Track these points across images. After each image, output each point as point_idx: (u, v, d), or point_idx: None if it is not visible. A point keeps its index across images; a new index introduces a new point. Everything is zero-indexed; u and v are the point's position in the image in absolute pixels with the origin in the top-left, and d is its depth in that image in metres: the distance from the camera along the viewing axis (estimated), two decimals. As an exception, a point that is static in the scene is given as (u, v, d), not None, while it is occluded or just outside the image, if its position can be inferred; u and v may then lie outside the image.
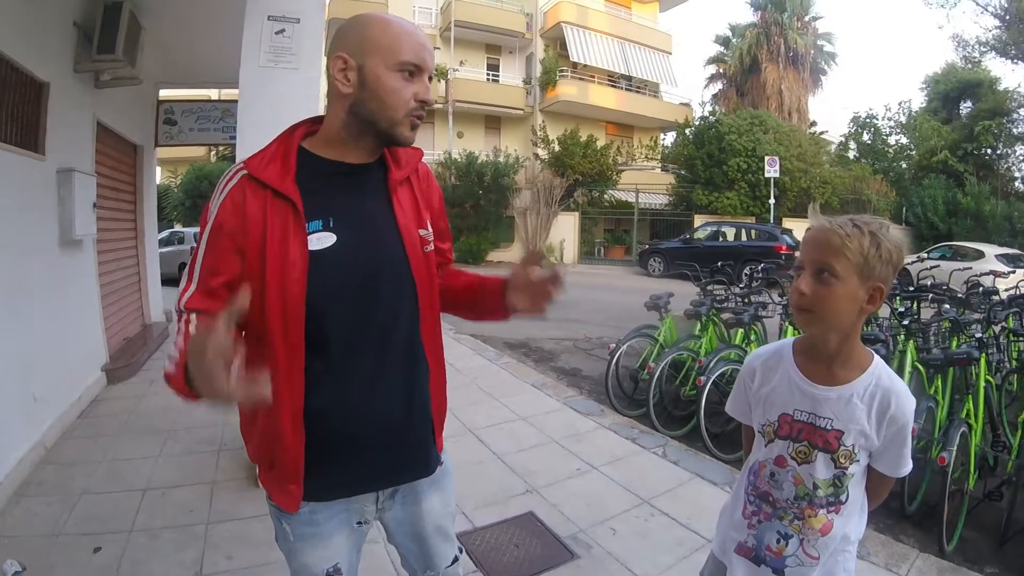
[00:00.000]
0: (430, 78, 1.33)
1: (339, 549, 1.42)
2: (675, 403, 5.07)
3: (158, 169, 8.88)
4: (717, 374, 4.39)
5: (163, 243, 11.75)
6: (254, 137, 2.98)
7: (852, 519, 1.43)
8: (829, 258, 1.29)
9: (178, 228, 18.81)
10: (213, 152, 25.13)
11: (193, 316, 1.21)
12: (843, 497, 1.39)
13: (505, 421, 4.74)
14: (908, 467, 1.41)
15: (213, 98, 8.29)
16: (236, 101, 6.50)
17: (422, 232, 1.41)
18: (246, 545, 2.81)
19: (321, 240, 1.26)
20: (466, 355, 6.89)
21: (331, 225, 1.27)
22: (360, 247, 1.30)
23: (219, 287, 1.23)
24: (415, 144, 1.41)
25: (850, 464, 1.37)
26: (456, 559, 1.64)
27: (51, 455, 3.76)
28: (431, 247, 1.43)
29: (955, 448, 3.09)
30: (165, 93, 7.40)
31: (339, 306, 1.27)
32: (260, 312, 1.23)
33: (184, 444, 4.03)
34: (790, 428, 1.42)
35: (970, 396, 3.68)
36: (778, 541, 1.43)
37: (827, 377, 1.39)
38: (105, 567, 2.63)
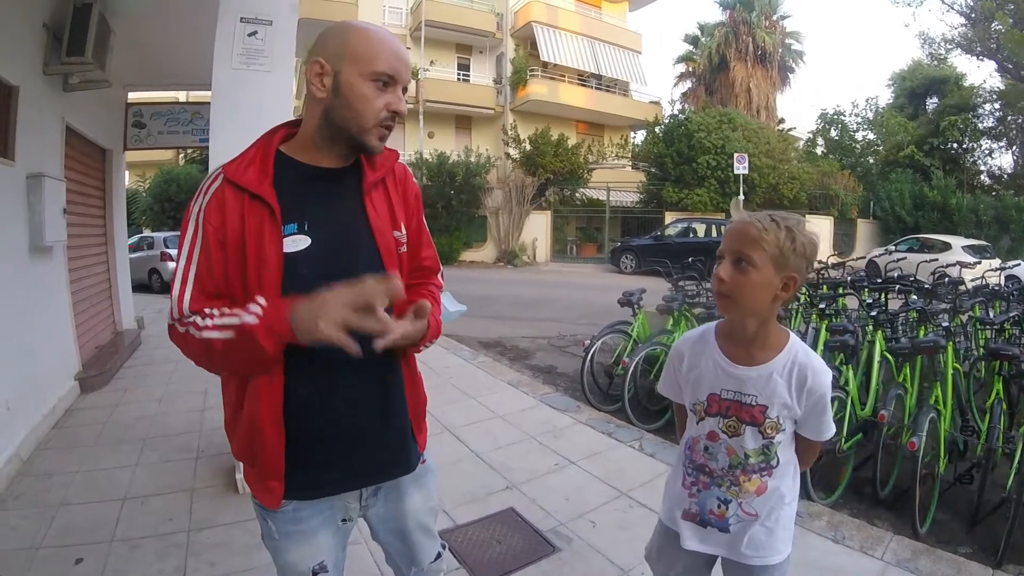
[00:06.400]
0: (404, 89, 1.35)
1: (324, 547, 1.44)
2: (650, 397, 5.12)
3: (126, 173, 8.72)
4: (691, 368, 4.42)
5: (133, 248, 11.52)
6: (228, 139, 3.00)
7: (786, 479, 1.55)
8: (747, 248, 1.38)
9: (147, 233, 18.36)
10: (181, 155, 24.72)
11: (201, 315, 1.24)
12: (773, 462, 1.51)
13: (482, 419, 4.76)
14: (831, 432, 1.54)
15: (182, 100, 8.18)
16: (205, 103, 6.46)
17: (396, 234, 1.44)
18: (228, 551, 2.81)
19: (296, 243, 1.28)
20: (440, 355, 6.83)
21: (306, 228, 1.30)
22: (334, 249, 1.32)
23: (215, 285, 1.26)
24: (387, 145, 1.42)
25: (776, 433, 1.49)
26: (439, 555, 1.67)
27: (27, 467, 3.69)
28: (404, 248, 1.46)
29: (924, 433, 3.15)
30: (134, 96, 7.27)
31: None
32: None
33: (161, 452, 3.99)
34: (719, 406, 1.53)
35: (938, 383, 3.74)
36: (719, 506, 1.55)
37: (748, 358, 1.50)
38: (87, 579, 2.60)
